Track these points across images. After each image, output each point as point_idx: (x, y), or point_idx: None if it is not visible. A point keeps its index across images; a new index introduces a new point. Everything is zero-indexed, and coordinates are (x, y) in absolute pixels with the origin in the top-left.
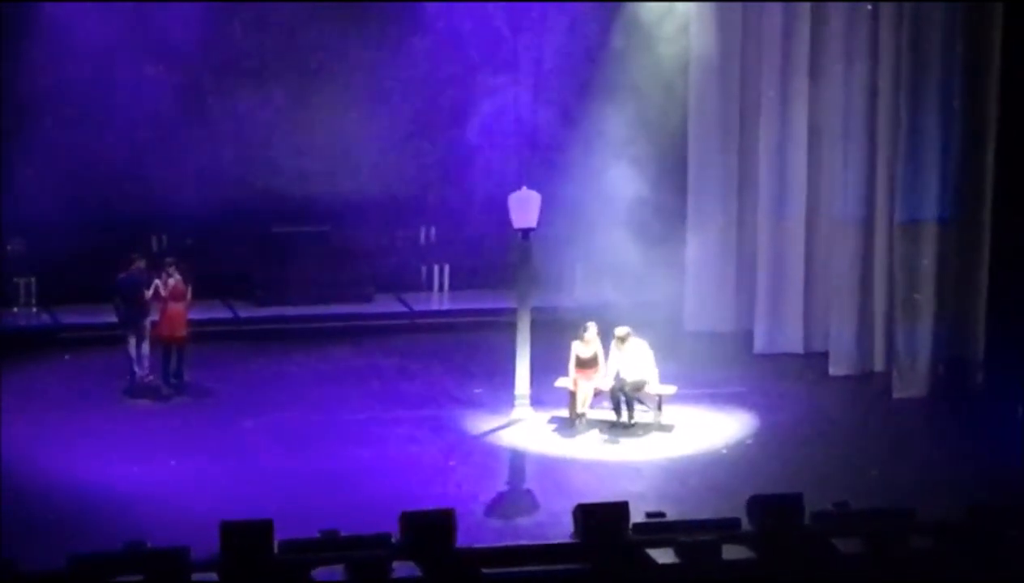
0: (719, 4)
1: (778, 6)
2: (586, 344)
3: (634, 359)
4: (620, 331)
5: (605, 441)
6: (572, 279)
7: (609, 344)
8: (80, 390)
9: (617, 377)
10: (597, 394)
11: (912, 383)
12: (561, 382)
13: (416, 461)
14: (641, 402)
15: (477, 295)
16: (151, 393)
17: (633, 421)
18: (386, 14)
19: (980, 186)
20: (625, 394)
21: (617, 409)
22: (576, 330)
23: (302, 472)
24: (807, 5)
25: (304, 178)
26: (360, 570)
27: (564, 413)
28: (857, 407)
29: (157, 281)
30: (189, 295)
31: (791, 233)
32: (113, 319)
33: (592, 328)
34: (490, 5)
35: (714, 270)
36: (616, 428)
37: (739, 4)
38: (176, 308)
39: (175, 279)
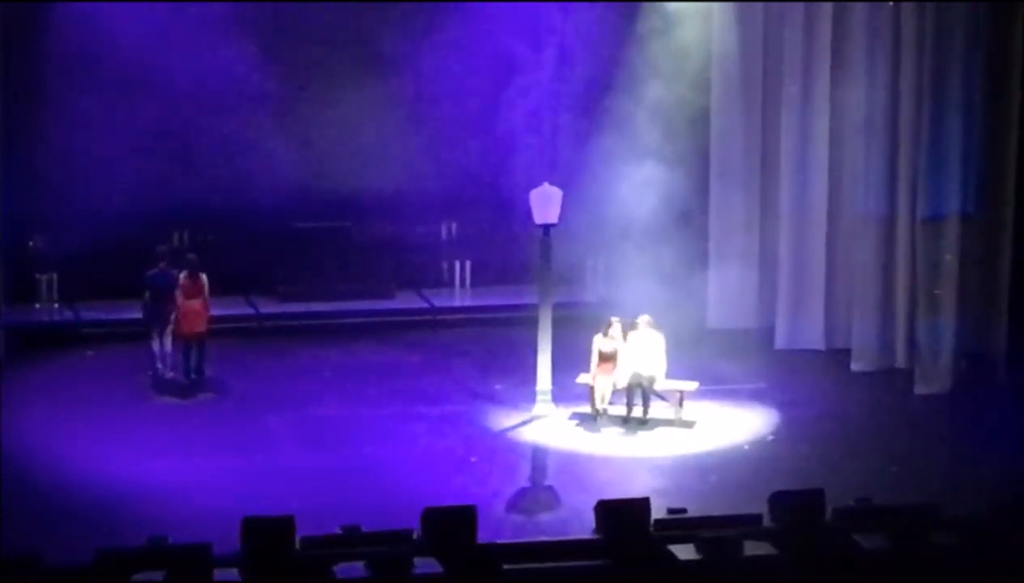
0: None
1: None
2: (609, 339)
3: (649, 351)
4: (642, 319)
5: (617, 438)
6: (594, 275)
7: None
8: (102, 386)
9: (634, 373)
10: (615, 391)
11: (934, 379)
12: (582, 378)
13: (437, 457)
14: (662, 398)
15: (498, 291)
16: (174, 389)
17: (648, 417)
18: (409, 13)
19: (1003, 181)
20: (643, 389)
21: (630, 404)
22: (598, 326)
23: (324, 468)
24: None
25: (326, 174)
26: (381, 566)
27: (585, 409)
28: (879, 403)
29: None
30: (206, 291)
31: (813, 229)
32: (135, 315)
33: (616, 324)
34: (514, 6)
35: (736, 266)
36: (628, 423)
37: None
38: (192, 304)
39: (181, 276)
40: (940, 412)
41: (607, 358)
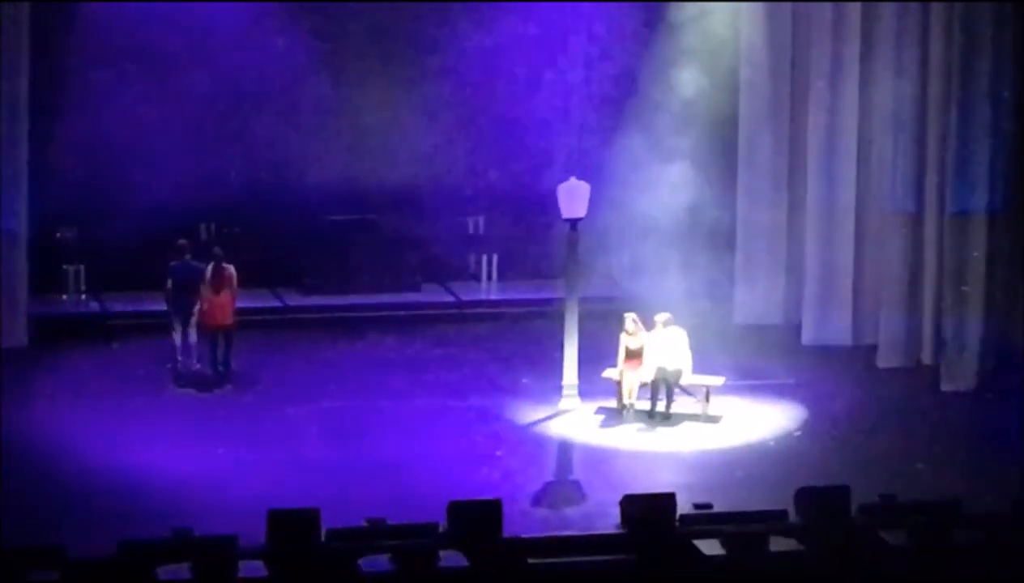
0: None
1: None
2: (632, 335)
3: (673, 346)
4: (660, 317)
5: (640, 430)
6: (620, 269)
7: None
8: (129, 378)
9: (659, 369)
10: (643, 385)
11: (960, 376)
12: (608, 373)
13: (463, 451)
14: (689, 393)
15: (525, 285)
16: (197, 381)
17: (671, 412)
18: (439, 10)
19: None
20: (667, 384)
21: (654, 399)
22: (624, 320)
23: (349, 461)
24: None
25: (353, 167)
26: (407, 559)
27: (612, 404)
28: (905, 399)
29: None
30: (233, 284)
31: (840, 225)
32: (162, 306)
33: (629, 319)
34: (544, 4)
35: (763, 262)
36: (653, 418)
37: None
38: (219, 297)
39: (208, 269)
40: (966, 409)
41: (634, 355)
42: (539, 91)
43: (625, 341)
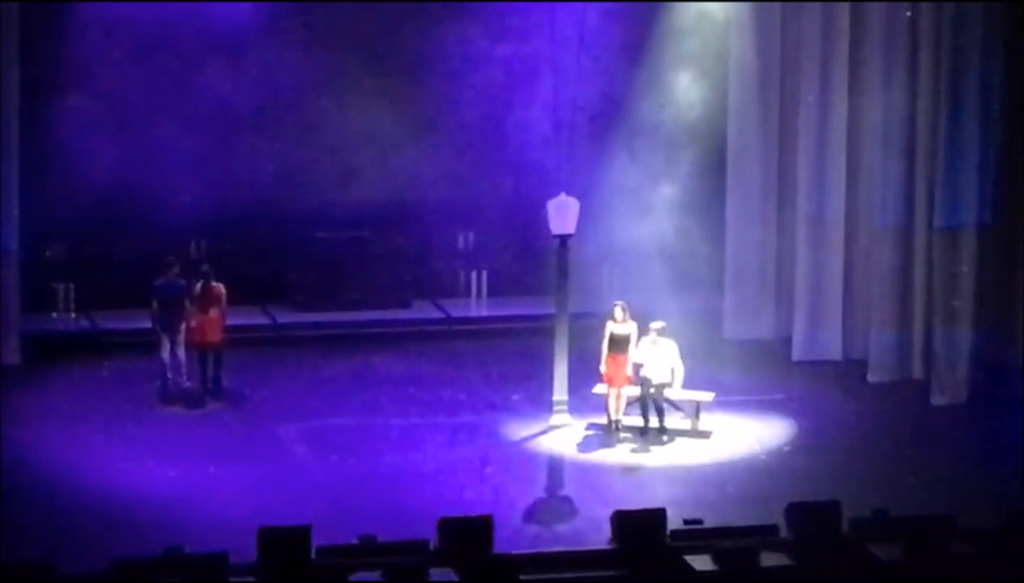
0: (757, 6)
1: (817, 9)
2: (620, 323)
3: (662, 359)
4: (655, 325)
5: (634, 449)
6: (610, 285)
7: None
8: (119, 395)
9: (644, 381)
10: (631, 402)
11: (951, 390)
12: (599, 389)
13: (454, 467)
14: (678, 409)
15: (515, 301)
16: (187, 398)
17: (664, 427)
18: (430, 24)
19: (1020, 191)
20: (654, 399)
21: (645, 415)
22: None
23: (340, 478)
24: (846, 8)
25: (343, 184)
26: (398, 575)
27: (602, 420)
28: (896, 414)
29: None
30: (223, 301)
31: (830, 239)
32: (150, 325)
33: (618, 307)
34: (534, 16)
35: (753, 277)
36: (646, 434)
37: (778, 7)
38: (208, 314)
39: (197, 286)
40: (957, 423)
41: (621, 343)
42: (529, 107)
43: (611, 327)
